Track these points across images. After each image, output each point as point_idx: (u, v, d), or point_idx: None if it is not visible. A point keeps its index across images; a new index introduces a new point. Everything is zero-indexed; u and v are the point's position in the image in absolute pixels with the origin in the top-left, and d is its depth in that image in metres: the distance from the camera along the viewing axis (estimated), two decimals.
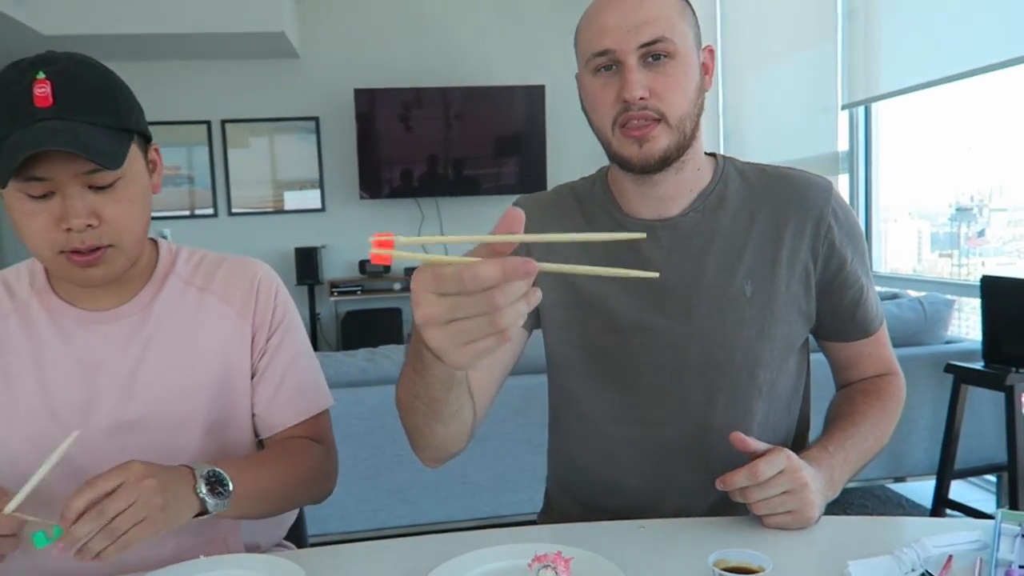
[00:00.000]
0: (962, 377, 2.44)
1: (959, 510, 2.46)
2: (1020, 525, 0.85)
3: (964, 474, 2.66)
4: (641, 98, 0.93)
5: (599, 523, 0.95)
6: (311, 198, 5.28)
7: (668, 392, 1.02)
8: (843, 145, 3.82)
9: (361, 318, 5.01)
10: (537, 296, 0.58)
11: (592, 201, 1.08)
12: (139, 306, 1.01)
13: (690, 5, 1.00)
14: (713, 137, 4.56)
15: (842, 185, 3.82)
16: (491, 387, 1.03)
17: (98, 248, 0.90)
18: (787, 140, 4.03)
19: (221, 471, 0.88)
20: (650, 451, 1.03)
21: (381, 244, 0.55)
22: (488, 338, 0.58)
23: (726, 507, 0.97)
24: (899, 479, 2.76)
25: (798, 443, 1.11)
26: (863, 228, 3.82)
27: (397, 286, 5.01)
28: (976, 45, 2.88)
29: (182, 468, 0.87)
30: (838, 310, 1.05)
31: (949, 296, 2.85)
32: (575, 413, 1.09)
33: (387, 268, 4.86)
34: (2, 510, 0.78)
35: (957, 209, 3.90)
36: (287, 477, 1.01)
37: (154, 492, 0.79)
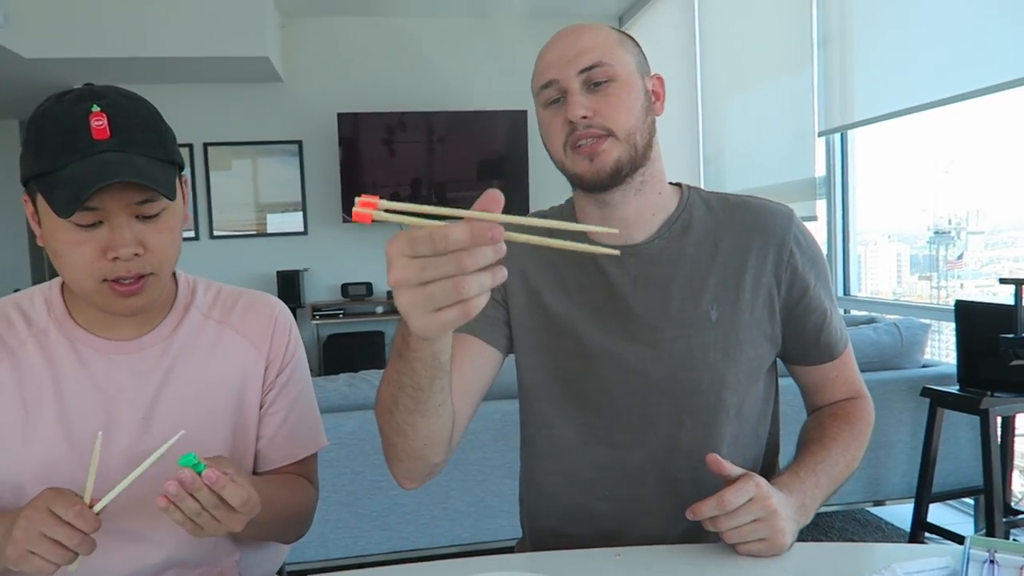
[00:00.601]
0: (938, 401, 2.46)
1: (938, 533, 2.47)
2: (989, 551, 0.86)
3: (942, 497, 2.69)
4: (584, 117, 0.98)
5: (576, 551, 0.95)
6: (294, 221, 5.28)
7: (636, 415, 1.03)
8: (820, 171, 3.88)
9: (343, 341, 4.99)
10: (503, 273, 0.61)
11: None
12: (160, 337, 1.01)
13: (632, 39, 1.05)
14: (693, 163, 4.62)
15: (820, 210, 3.88)
16: (468, 400, 1.01)
17: (141, 276, 0.91)
18: (765, 166, 4.10)
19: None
20: (619, 474, 1.05)
21: (365, 204, 0.58)
22: (454, 307, 0.60)
23: (698, 533, 0.97)
24: (878, 503, 2.78)
25: (768, 466, 1.13)
26: (840, 253, 3.89)
27: (380, 309, 5.01)
28: (951, 73, 2.94)
29: None
30: (802, 334, 1.07)
31: (926, 320, 2.88)
32: (545, 436, 1.10)
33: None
34: (91, 508, 0.80)
35: (935, 232, 3.95)
36: (289, 505, 1.03)
37: (256, 505, 0.84)
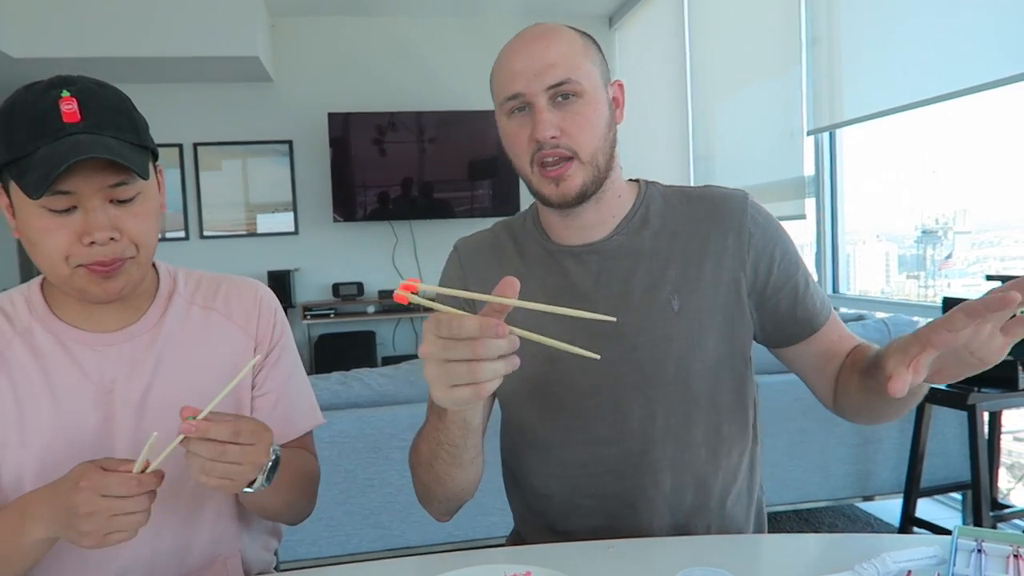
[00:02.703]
0: (926, 397, 2.49)
1: (926, 528, 2.50)
2: (976, 541, 0.87)
3: (930, 492, 2.71)
4: (552, 137, 0.98)
5: (569, 544, 0.96)
6: (284, 221, 5.27)
7: (609, 411, 1.04)
8: (809, 170, 3.90)
9: (334, 341, 4.99)
10: (515, 363, 0.72)
11: (525, 234, 1.13)
12: (147, 326, 1.01)
13: (595, 43, 1.05)
14: (683, 162, 4.64)
15: (809, 209, 3.90)
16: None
17: (118, 260, 0.91)
18: (754, 165, 4.12)
19: (280, 459, 0.91)
20: (601, 470, 1.06)
21: (406, 287, 0.70)
22: (467, 387, 0.71)
23: (685, 522, 0.99)
24: (867, 498, 2.80)
25: (752, 455, 1.13)
26: (829, 251, 3.92)
27: (370, 309, 5.01)
28: (938, 72, 2.97)
29: None
30: (777, 312, 1.06)
31: (914, 317, 2.91)
32: (527, 442, 1.11)
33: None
34: (143, 471, 0.81)
35: (923, 232, 3.97)
36: (299, 470, 1.04)
37: (254, 470, 0.85)
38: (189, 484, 0.87)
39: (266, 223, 5.26)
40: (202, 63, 4.58)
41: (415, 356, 3.48)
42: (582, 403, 1.05)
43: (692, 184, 1.13)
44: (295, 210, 5.27)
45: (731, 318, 1.05)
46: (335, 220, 5.13)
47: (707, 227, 1.05)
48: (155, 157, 0.98)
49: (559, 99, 0.98)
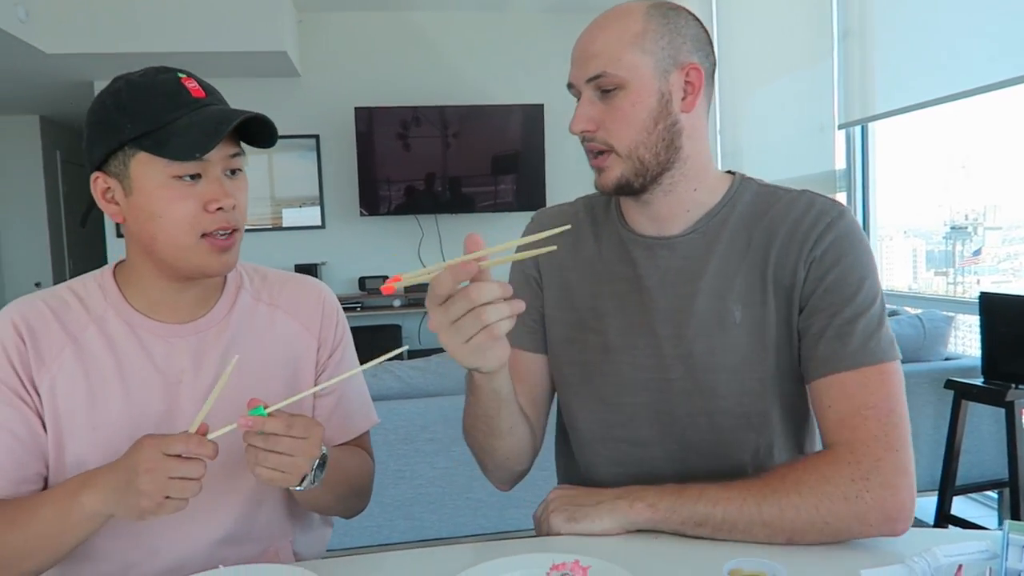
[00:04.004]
0: (962, 393, 2.45)
1: (961, 525, 2.47)
2: None
3: (965, 490, 2.67)
4: (585, 131, 0.97)
5: (610, 534, 0.95)
6: (311, 215, 5.31)
7: (654, 412, 1.02)
8: (840, 164, 3.86)
9: (361, 335, 4.97)
10: (520, 305, 0.78)
11: (605, 215, 1.10)
12: (216, 319, 1.03)
13: (665, 26, 0.96)
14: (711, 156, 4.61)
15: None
16: (537, 408, 1.11)
17: (233, 231, 0.96)
18: (784, 159, 4.08)
19: (328, 457, 0.93)
20: (635, 471, 1.03)
21: (392, 281, 0.77)
22: (479, 333, 0.77)
23: None
24: None
25: None
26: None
27: (397, 303, 5.02)
28: (971, 65, 2.92)
29: None
30: (803, 338, 0.97)
31: (948, 312, 2.87)
32: (573, 429, 1.11)
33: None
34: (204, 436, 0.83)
35: (952, 227, 3.91)
36: (353, 470, 1.06)
37: (307, 462, 0.88)
38: (250, 477, 0.88)
39: (292, 217, 5.30)
40: (231, 58, 4.62)
41: (440, 350, 3.50)
42: (627, 399, 1.03)
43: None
44: (322, 204, 5.30)
45: (791, 336, 0.98)
46: (362, 214, 5.16)
47: (776, 234, 0.98)
48: (271, 145, 1.03)
49: (602, 91, 0.97)
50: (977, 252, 3.81)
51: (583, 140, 1.00)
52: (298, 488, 0.90)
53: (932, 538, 0.88)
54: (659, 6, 0.98)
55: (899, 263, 4.37)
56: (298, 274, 1.16)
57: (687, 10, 1.00)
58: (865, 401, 0.90)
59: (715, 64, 1.02)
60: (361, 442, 1.15)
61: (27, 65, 4.60)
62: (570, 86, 1.00)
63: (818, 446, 1.07)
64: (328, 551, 2.27)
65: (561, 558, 0.78)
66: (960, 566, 0.81)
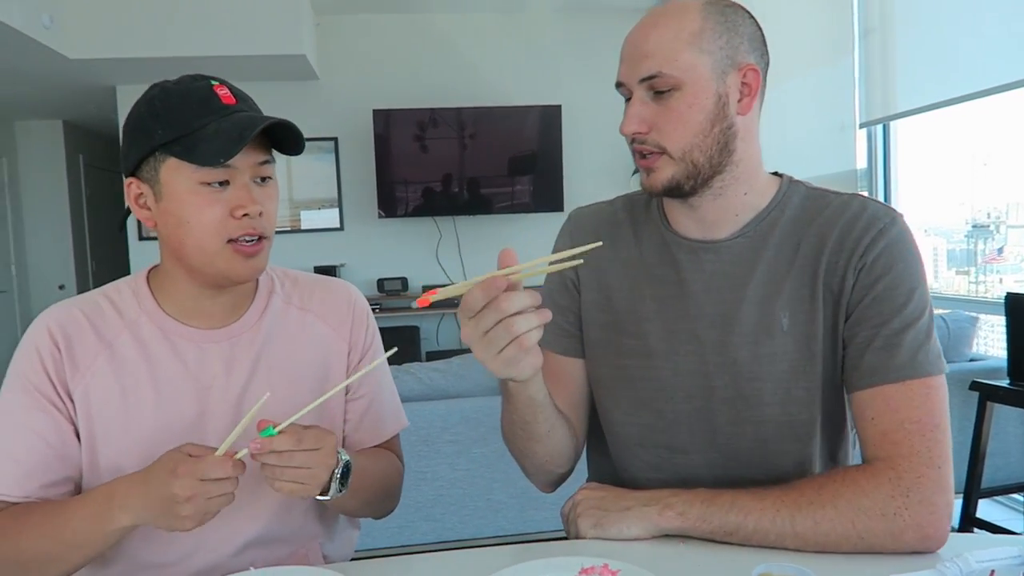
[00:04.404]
0: (988, 395, 2.43)
1: (987, 529, 2.44)
2: None
3: (991, 493, 2.65)
4: (637, 132, 0.94)
5: (640, 539, 0.95)
6: (329, 217, 5.34)
7: (695, 420, 1.00)
8: (861, 163, 3.82)
9: (380, 336, 5.04)
10: (547, 315, 0.79)
11: (646, 216, 1.08)
12: (247, 325, 1.04)
13: (723, 24, 0.93)
14: None
15: None
16: (576, 411, 1.10)
17: (260, 238, 0.97)
18: (804, 158, 4.05)
19: (351, 464, 0.94)
20: (675, 479, 1.00)
21: (428, 294, 0.78)
22: (510, 345, 0.78)
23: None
24: None
25: None
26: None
27: (415, 304, 5.03)
28: (994, 63, 2.89)
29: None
30: (847, 348, 0.95)
31: (971, 313, 2.84)
32: (610, 432, 1.10)
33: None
34: (232, 457, 0.84)
35: (973, 226, 3.86)
36: (380, 473, 1.07)
37: (324, 471, 0.89)
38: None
39: (310, 219, 5.33)
40: (251, 62, 4.66)
41: (459, 351, 3.50)
42: (668, 406, 1.01)
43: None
44: (340, 206, 5.33)
45: (836, 344, 0.95)
46: (380, 216, 5.18)
47: (832, 241, 0.95)
48: (299, 152, 1.03)
49: (656, 92, 0.93)
50: (1000, 251, 3.76)
51: (631, 141, 0.97)
52: (325, 498, 0.91)
53: (963, 543, 0.87)
54: (716, 3, 0.94)
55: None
56: (329, 277, 1.16)
57: (743, 7, 0.97)
58: (909, 415, 0.88)
59: (768, 64, 0.98)
60: (391, 445, 1.16)
61: (51, 70, 4.67)
62: (619, 85, 0.97)
63: (851, 457, 1.05)
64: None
65: (590, 562, 0.78)
66: (992, 571, 0.81)
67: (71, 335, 0.97)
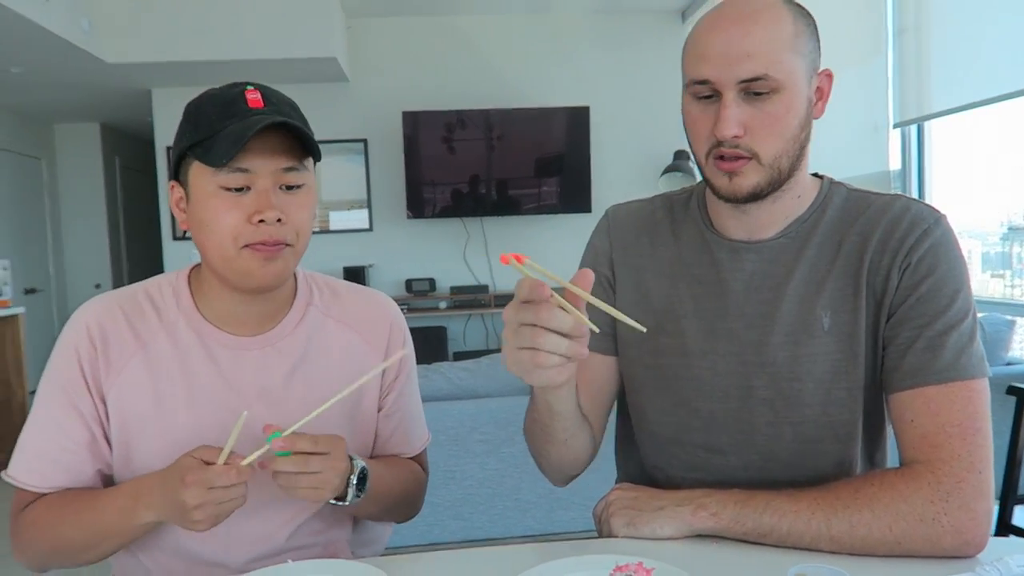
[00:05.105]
0: None
1: (1023, 535, 2.39)
2: None
3: None
4: (735, 136, 0.90)
5: (674, 539, 0.95)
6: (359, 218, 5.39)
7: (733, 420, 0.99)
8: (895, 164, 3.77)
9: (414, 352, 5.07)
10: (582, 351, 0.79)
11: (686, 215, 1.07)
12: (283, 334, 1.04)
13: (810, 25, 0.93)
14: None
15: None
16: (598, 410, 1.09)
17: (280, 244, 0.95)
18: (838, 159, 4.01)
19: (368, 471, 0.96)
20: (711, 478, 0.99)
21: (516, 257, 0.73)
22: (527, 351, 0.77)
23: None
24: None
25: None
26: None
27: (442, 304, 5.08)
28: None
29: (349, 459, 0.95)
30: (887, 349, 0.94)
31: (1009, 316, 2.79)
32: (646, 432, 1.09)
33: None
34: (236, 464, 0.86)
35: (1009, 228, 3.80)
36: (398, 480, 1.07)
37: (336, 475, 0.91)
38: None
39: (339, 220, 5.39)
40: (283, 65, 4.72)
41: (486, 352, 3.52)
42: (705, 405, 1.00)
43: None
44: (370, 207, 5.38)
45: (877, 344, 0.95)
46: (408, 217, 5.22)
47: (875, 241, 0.94)
48: (318, 159, 1.02)
49: (752, 94, 0.89)
50: None
51: (716, 144, 0.92)
52: (342, 503, 0.93)
53: (1002, 547, 0.86)
54: (795, 4, 0.93)
55: None
56: (370, 290, 1.16)
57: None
58: (951, 418, 0.87)
59: None
60: (419, 458, 1.17)
61: (89, 74, 4.78)
62: (702, 82, 0.91)
63: (888, 459, 1.04)
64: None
65: (625, 560, 0.79)
66: None
67: (108, 335, 0.99)
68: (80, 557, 0.97)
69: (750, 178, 0.92)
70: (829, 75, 0.95)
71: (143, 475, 0.94)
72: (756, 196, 0.94)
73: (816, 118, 0.95)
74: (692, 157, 1.00)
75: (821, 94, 0.95)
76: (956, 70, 3.33)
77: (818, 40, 0.94)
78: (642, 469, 1.11)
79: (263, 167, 0.94)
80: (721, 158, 0.92)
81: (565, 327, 0.75)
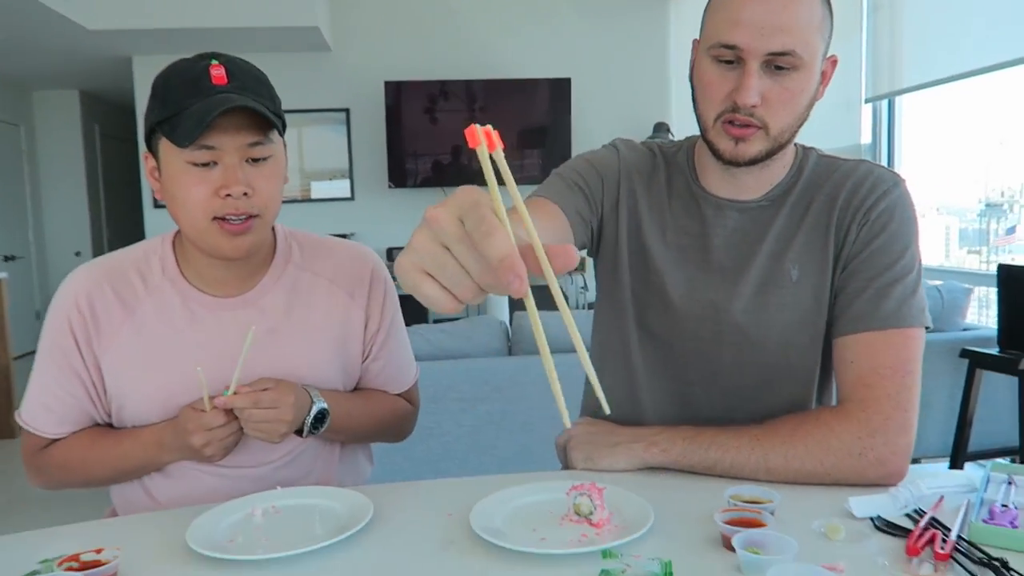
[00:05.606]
0: (977, 362, 2.50)
1: None
2: (1008, 475, 0.94)
3: (977, 457, 2.73)
4: (754, 105, 0.94)
5: (628, 471, 1.04)
6: (341, 187, 5.42)
7: (703, 358, 1.08)
8: (866, 138, 3.86)
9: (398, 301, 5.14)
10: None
11: (675, 167, 1.12)
12: (263, 292, 1.10)
13: (831, 14, 0.98)
14: None
15: None
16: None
17: (249, 217, 1.00)
18: (811, 132, 4.07)
19: (328, 410, 1.06)
20: (677, 407, 1.10)
21: (487, 134, 0.51)
22: (439, 287, 0.50)
23: None
24: (914, 460, 2.82)
25: None
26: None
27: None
28: (1006, 37, 2.90)
29: (306, 397, 1.04)
30: (837, 298, 1.03)
31: (966, 285, 2.90)
32: (625, 359, 1.14)
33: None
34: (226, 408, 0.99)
35: (987, 205, 3.86)
36: (374, 420, 1.18)
37: (282, 425, 1.00)
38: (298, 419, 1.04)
39: (321, 189, 5.42)
40: (265, 33, 4.72)
41: (464, 317, 3.59)
42: (680, 343, 1.08)
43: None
44: (351, 177, 5.41)
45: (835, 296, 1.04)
46: (390, 187, 5.26)
47: (839, 202, 1.03)
48: (284, 128, 1.06)
49: (774, 67, 0.93)
50: (1011, 230, 3.77)
51: (735, 110, 0.95)
52: (299, 437, 1.06)
53: (917, 473, 0.95)
54: None
55: (932, 240, 4.28)
56: (350, 242, 1.20)
57: None
58: (886, 361, 0.96)
59: None
60: (407, 393, 1.25)
61: (69, 40, 4.75)
62: (729, 47, 0.93)
63: (834, 399, 1.13)
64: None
65: (580, 480, 0.87)
66: (941, 497, 0.90)
67: (96, 307, 1.06)
68: (101, 486, 1.12)
69: (755, 146, 0.97)
70: (834, 61, 1.01)
71: (159, 424, 1.05)
72: (754, 163, 1.00)
73: (817, 100, 1.01)
74: (697, 117, 1.02)
75: (824, 78, 1.01)
76: (928, 46, 3.41)
77: (832, 28, 0.99)
78: (614, 405, 1.16)
79: (228, 143, 0.97)
80: (730, 123, 0.97)
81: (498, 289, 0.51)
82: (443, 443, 2.41)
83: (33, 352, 1.12)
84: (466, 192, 0.51)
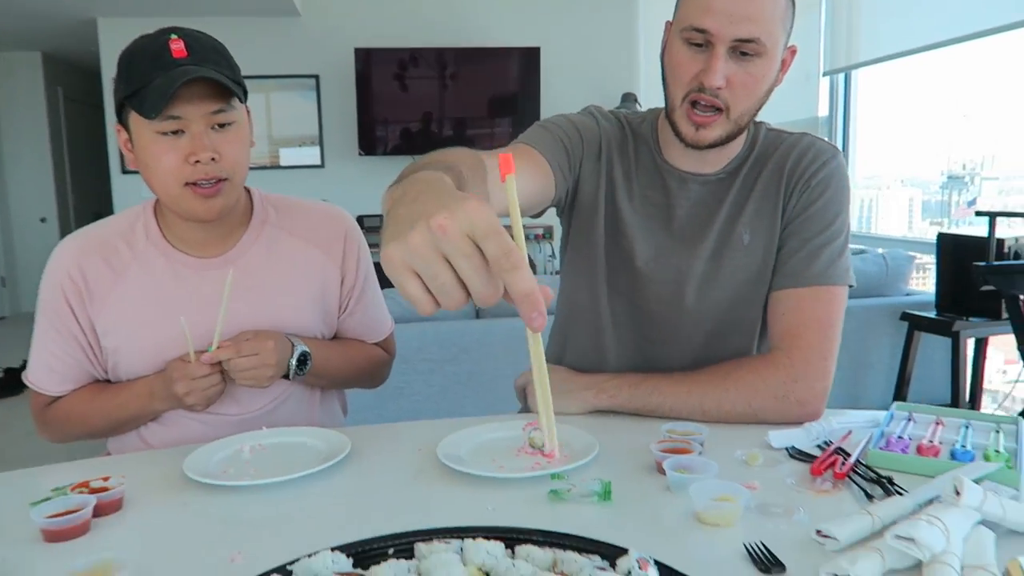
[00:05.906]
0: (915, 324, 2.67)
1: None
2: (909, 412, 1.07)
3: None
4: (721, 88, 1.03)
5: (579, 415, 1.15)
6: (310, 155, 5.43)
7: (664, 318, 1.19)
8: (823, 111, 3.99)
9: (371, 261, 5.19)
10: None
11: (640, 138, 1.21)
12: (242, 252, 1.19)
13: (793, 8, 1.06)
14: None
15: None
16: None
17: (218, 181, 1.09)
18: (768, 106, 4.18)
19: (309, 353, 1.16)
20: (639, 359, 1.21)
21: (508, 161, 0.54)
22: (424, 291, 0.52)
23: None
24: None
25: None
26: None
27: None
28: (963, 11, 3.00)
29: (287, 343, 1.13)
30: (779, 252, 1.14)
31: (910, 252, 3.07)
32: (585, 316, 1.24)
33: None
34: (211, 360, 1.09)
35: (949, 177, 3.98)
36: (351, 365, 1.28)
37: (268, 369, 1.10)
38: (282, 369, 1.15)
39: (290, 156, 5.42)
40: None
41: None
42: (645, 302, 1.19)
43: None
44: (321, 144, 5.42)
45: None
46: (360, 154, 5.29)
47: (784, 171, 1.14)
48: (246, 95, 1.14)
49: (739, 53, 1.02)
50: (972, 202, 3.90)
51: (701, 91, 1.04)
52: (287, 379, 1.16)
53: (831, 413, 1.08)
54: None
55: (895, 212, 4.38)
56: (323, 203, 1.30)
57: None
58: (813, 315, 1.10)
59: None
60: (384, 343, 1.36)
61: (30, 2, 4.67)
62: (699, 31, 1.01)
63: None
64: None
65: (533, 418, 0.99)
66: (849, 431, 1.02)
67: (87, 275, 1.15)
68: (102, 436, 1.23)
69: (715, 131, 1.07)
70: (794, 51, 1.10)
71: (150, 376, 1.15)
72: (715, 146, 1.10)
73: (776, 86, 1.11)
74: (665, 95, 1.10)
75: (784, 66, 1.10)
76: (885, 20, 3.52)
77: (794, 20, 1.07)
78: (581, 353, 1.27)
79: (193, 112, 1.05)
80: (695, 104, 1.06)
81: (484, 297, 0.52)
82: (413, 402, 2.53)
83: (3, 317, 1.23)
84: (477, 211, 0.50)
